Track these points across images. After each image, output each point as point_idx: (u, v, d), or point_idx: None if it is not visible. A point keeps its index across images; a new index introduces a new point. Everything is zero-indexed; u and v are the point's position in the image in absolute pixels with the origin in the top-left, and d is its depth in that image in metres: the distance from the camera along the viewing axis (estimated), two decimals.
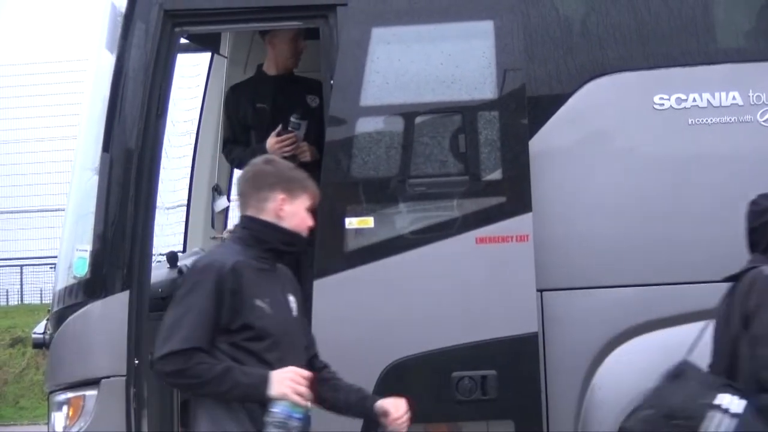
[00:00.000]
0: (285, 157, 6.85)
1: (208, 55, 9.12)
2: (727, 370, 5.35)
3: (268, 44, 7.85)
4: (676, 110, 6.44)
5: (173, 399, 7.06)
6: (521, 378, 6.31)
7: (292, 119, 7.47)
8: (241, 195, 5.29)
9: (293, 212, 5.17)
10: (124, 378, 6.43)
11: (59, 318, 6.70)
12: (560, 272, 6.42)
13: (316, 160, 7.26)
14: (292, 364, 5.00)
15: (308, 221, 5.25)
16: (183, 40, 7.39)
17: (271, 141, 7.39)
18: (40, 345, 6.88)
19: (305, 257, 6.46)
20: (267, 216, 5.15)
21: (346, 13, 6.52)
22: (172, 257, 7.76)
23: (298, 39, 7.77)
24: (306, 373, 5.01)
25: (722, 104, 6.43)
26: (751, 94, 6.42)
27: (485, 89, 6.48)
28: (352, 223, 6.39)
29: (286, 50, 7.81)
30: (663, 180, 6.44)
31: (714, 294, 6.25)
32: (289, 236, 5.18)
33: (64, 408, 6.58)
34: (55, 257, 7.60)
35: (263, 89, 7.89)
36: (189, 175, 9.08)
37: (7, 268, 27.37)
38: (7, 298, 27.20)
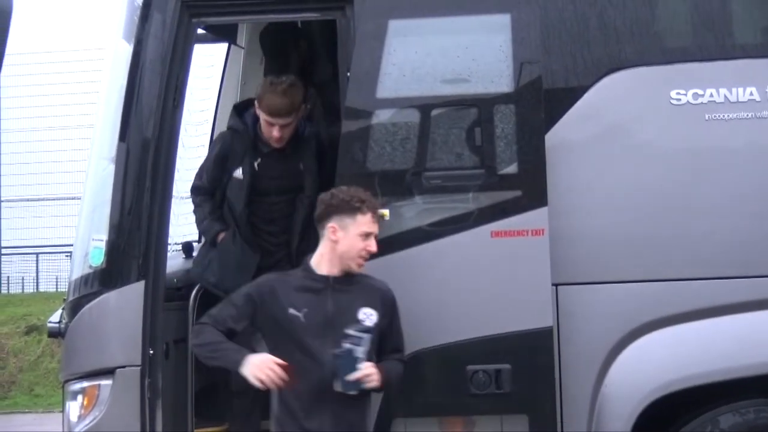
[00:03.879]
0: None
1: (225, 45, 9.13)
2: None
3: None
4: (693, 105, 6.42)
5: (188, 390, 7.08)
6: (536, 372, 6.30)
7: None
8: None
9: None
10: (138, 368, 6.46)
11: (75, 307, 6.73)
12: (575, 267, 6.40)
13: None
14: None
15: None
16: (200, 31, 7.39)
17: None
18: (56, 334, 6.90)
19: None
20: None
21: (363, 4, 6.50)
22: (187, 247, 7.78)
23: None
24: None
25: (739, 100, 6.40)
26: None
27: (502, 82, 6.46)
28: None
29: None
30: (679, 175, 6.41)
31: (731, 290, 6.26)
32: None
33: (79, 397, 6.62)
34: (71, 245, 7.62)
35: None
36: None
37: (23, 255, 27.47)
38: (23, 286, 27.31)
